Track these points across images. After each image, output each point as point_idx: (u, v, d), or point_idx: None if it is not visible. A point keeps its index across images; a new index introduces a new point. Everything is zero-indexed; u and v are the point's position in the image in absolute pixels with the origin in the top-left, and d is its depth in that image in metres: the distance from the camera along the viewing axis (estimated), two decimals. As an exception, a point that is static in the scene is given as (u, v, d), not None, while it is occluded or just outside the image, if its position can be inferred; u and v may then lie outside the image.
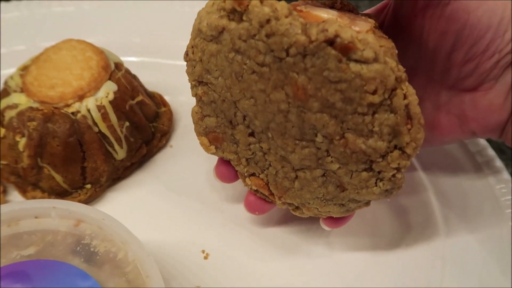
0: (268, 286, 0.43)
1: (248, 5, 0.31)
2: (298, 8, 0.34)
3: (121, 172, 0.50)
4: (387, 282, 0.43)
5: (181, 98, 0.58)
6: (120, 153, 0.48)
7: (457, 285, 0.43)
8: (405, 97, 0.30)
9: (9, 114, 0.46)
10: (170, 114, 0.56)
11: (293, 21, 0.30)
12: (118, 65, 0.50)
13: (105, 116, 0.46)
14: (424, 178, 0.50)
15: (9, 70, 0.52)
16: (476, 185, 0.49)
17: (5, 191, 0.49)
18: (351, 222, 0.42)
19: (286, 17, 0.30)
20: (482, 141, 0.52)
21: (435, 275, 0.43)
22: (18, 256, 0.36)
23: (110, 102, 0.47)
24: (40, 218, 0.38)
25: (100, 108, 0.46)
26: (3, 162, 0.47)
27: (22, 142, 0.45)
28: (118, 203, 0.49)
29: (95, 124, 0.46)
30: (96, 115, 0.46)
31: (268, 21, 0.30)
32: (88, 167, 0.47)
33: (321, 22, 0.29)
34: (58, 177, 0.46)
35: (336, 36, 0.29)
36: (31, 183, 0.47)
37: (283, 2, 0.31)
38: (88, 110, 0.46)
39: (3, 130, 0.46)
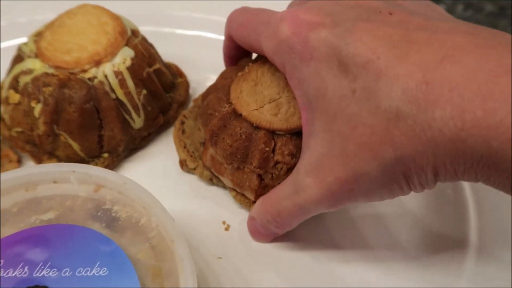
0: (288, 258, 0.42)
1: None
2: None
3: (138, 142, 0.49)
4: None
5: (196, 70, 0.56)
6: (138, 121, 0.47)
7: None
8: None
9: (24, 79, 0.44)
10: (186, 85, 0.55)
11: None
12: (135, 32, 0.49)
13: (122, 83, 0.45)
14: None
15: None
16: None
17: (19, 161, 0.47)
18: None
19: None
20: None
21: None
22: (38, 220, 0.34)
23: (128, 68, 0.45)
24: (59, 183, 0.36)
25: (117, 74, 0.45)
26: (18, 129, 0.45)
27: (37, 108, 0.44)
28: (135, 173, 0.48)
29: (112, 90, 0.45)
30: (114, 81, 0.44)
31: None
32: (105, 136, 0.46)
33: None
34: (75, 145, 0.44)
35: None
36: (46, 152, 0.46)
37: None
38: (105, 76, 0.44)
39: (18, 96, 0.44)
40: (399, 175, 0.30)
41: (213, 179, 0.46)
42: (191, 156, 0.46)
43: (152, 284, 0.32)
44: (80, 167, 0.36)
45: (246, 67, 0.43)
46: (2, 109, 0.47)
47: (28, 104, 0.44)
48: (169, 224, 0.33)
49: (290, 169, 0.40)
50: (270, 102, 0.40)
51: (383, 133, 0.29)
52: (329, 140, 0.33)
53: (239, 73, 0.43)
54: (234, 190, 0.44)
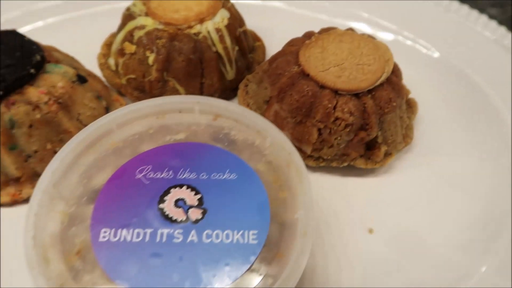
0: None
1: None
2: None
3: (227, 94, 0.56)
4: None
5: (268, 37, 0.63)
6: (230, 73, 0.54)
7: None
8: None
9: (138, 34, 0.52)
10: (263, 48, 0.62)
11: None
12: (226, -2, 0.56)
13: (221, 38, 0.52)
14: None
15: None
16: None
17: (127, 106, 0.55)
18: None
19: None
20: None
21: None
22: (172, 139, 0.42)
23: (225, 26, 0.53)
24: (183, 112, 0.44)
25: (217, 30, 0.52)
26: (131, 76, 0.53)
27: (151, 57, 0.51)
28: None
29: (214, 44, 0.52)
30: (215, 36, 0.52)
31: None
32: (205, 83, 0.53)
33: None
34: (181, 90, 0.52)
35: None
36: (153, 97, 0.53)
37: None
38: (208, 32, 0.52)
39: (133, 47, 0.52)
40: None
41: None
42: None
43: (273, 190, 0.39)
44: (203, 99, 0.43)
45: (313, 37, 0.50)
46: (113, 61, 0.55)
47: (143, 54, 0.51)
48: (285, 142, 0.40)
49: (347, 125, 0.46)
50: (335, 66, 0.47)
51: None
52: None
53: (306, 42, 0.50)
54: None
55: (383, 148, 0.49)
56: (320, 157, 0.50)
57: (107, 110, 0.50)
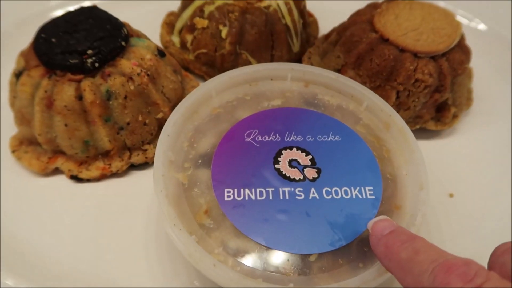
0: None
1: None
2: None
3: (291, 67, 0.57)
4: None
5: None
6: (296, 45, 0.55)
7: None
8: None
9: (208, 8, 0.53)
10: (316, 23, 0.63)
11: None
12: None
13: (290, 11, 0.53)
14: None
15: None
16: None
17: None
18: None
19: None
20: None
21: None
22: (270, 105, 0.43)
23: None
24: (275, 80, 0.45)
25: (286, 3, 0.53)
26: (202, 51, 0.53)
27: (224, 31, 0.52)
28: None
29: (283, 17, 0.53)
30: (284, 9, 0.53)
31: None
32: (275, 55, 0.54)
33: None
34: (254, 62, 0.53)
35: None
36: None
37: None
38: (278, 5, 0.52)
39: (206, 21, 0.52)
40: None
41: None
42: None
43: (377, 150, 0.40)
44: (296, 65, 0.44)
45: (383, 5, 0.52)
46: (178, 38, 0.56)
47: (216, 28, 0.52)
48: (383, 104, 0.42)
49: (426, 87, 0.48)
50: (412, 31, 0.49)
51: None
52: None
53: (378, 10, 0.51)
54: None
55: (453, 110, 0.52)
56: (395, 120, 0.51)
57: (182, 84, 0.51)
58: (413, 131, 0.51)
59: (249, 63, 0.53)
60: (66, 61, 0.41)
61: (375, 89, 0.49)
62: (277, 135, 0.40)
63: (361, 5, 0.55)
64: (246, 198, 0.36)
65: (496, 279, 0.23)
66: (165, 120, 0.39)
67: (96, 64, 0.42)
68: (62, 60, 0.41)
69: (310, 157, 0.39)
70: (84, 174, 0.46)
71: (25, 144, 0.47)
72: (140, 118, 0.45)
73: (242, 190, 0.36)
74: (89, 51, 0.42)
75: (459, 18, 0.65)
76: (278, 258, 0.33)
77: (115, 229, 0.43)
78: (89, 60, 0.42)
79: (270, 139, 0.40)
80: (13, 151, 0.47)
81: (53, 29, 0.44)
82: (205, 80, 0.55)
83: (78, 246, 0.42)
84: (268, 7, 0.52)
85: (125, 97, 0.43)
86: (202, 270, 0.32)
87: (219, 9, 0.52)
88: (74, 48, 0.42)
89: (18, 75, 0.44)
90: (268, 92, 0.44)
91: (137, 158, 0.47)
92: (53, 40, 0.43)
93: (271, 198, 0.36)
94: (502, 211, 0.47)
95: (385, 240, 0.30)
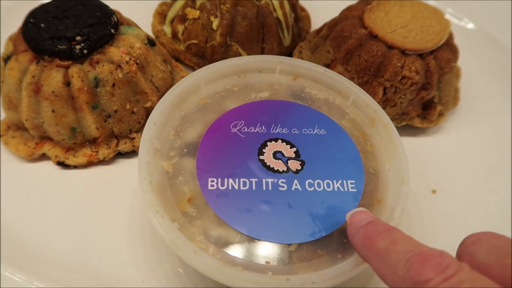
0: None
1: None
2: None
3: (282, 60, 0.57)
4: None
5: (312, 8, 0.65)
6: (287, 39, 0.56)
7: None
8: None
9: (200, -1, 0.53)
10: (309, 18, 0.63)
11: None
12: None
13: (281, 4, 0.53)
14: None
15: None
16: None
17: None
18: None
19: None
20: None
21: None
22: (257, 97, 0.43)
23: (284, -7, 0.54)
24: (263, 72, 0.45)
25: (277, -4, 0.53)
26: (193, 41, 0.54)
27: (215, 22, 0.52)
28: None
29: (274, 10, 0.53)
30: (276, 2, 0.53)
31: None
32: (266, 48, 0.54)
33: None
34: (244, 54, 0.53)
35: None
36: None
37: None
38: (269, -2, 0.53)
39: (197, 12, 0.52)
40: None
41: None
42: None
43: (361, 144, 0.41)
44: (285, 59, 0.45)
45: (374, 1, 0.52)
46: (169, 28, 0.56)
47: (207, 19, 0.52)
48: (369, 100, 0.42)
49: (413, 84, 0.49)
50: (401, 28, 0.49)
51: None
52: None
53: (368, 6, 0.52)
54: None
55: (439, 108, 0.52)
56: (381, 116, 0.52)
57: (171, 74, 0.51)
58: (399, 128, 0.52)
59: (240, 55, 0.53)
60: (54, 46, 0.41)
61: (363, 84, 0.50)
62: (263, 127, 0.40)
63: (354, 0, 0.56)
64: (230, 187, 0.36)
65: (467, 269, 0.24)
66: (153, 109, 0.40)
67: (85, 51, 0.42)
68: (50, 46, 0.41)
69: (294, 149, 0.39)
70: (70, 161, 0.46)
71: (13, 129, 0.47)
72: (128, 107, 0.45)
73: (226, 180, 0.37)
74: (78, 38, 0.42)
75: (448, 17, 0.65)
76: (258, 247, 0.34)
77: (100, 216, 0.43)
78: (78, 47, 0.42)
79: (256, 130, 0.40)
80: (0, 136, 0.47)
81: (42, 15, 0.44)
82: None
83: (62, 232, 0.42)
84: (259, 0, 0.52)
85: (113, 85, 0.44)
86: (183, 257, 0.32)
87: (211, 0, 0.52)
88: (63, 34, 0.42)
89: (6, 59, 0.44)
90: (256, 84, 0.44)
91: (124, 146, 0.47)
92: (42, 25, 0.43)
93: (254, 188, 0.36)
94: (483, 208, 0.47)
95: (363, 231, 0.30)
